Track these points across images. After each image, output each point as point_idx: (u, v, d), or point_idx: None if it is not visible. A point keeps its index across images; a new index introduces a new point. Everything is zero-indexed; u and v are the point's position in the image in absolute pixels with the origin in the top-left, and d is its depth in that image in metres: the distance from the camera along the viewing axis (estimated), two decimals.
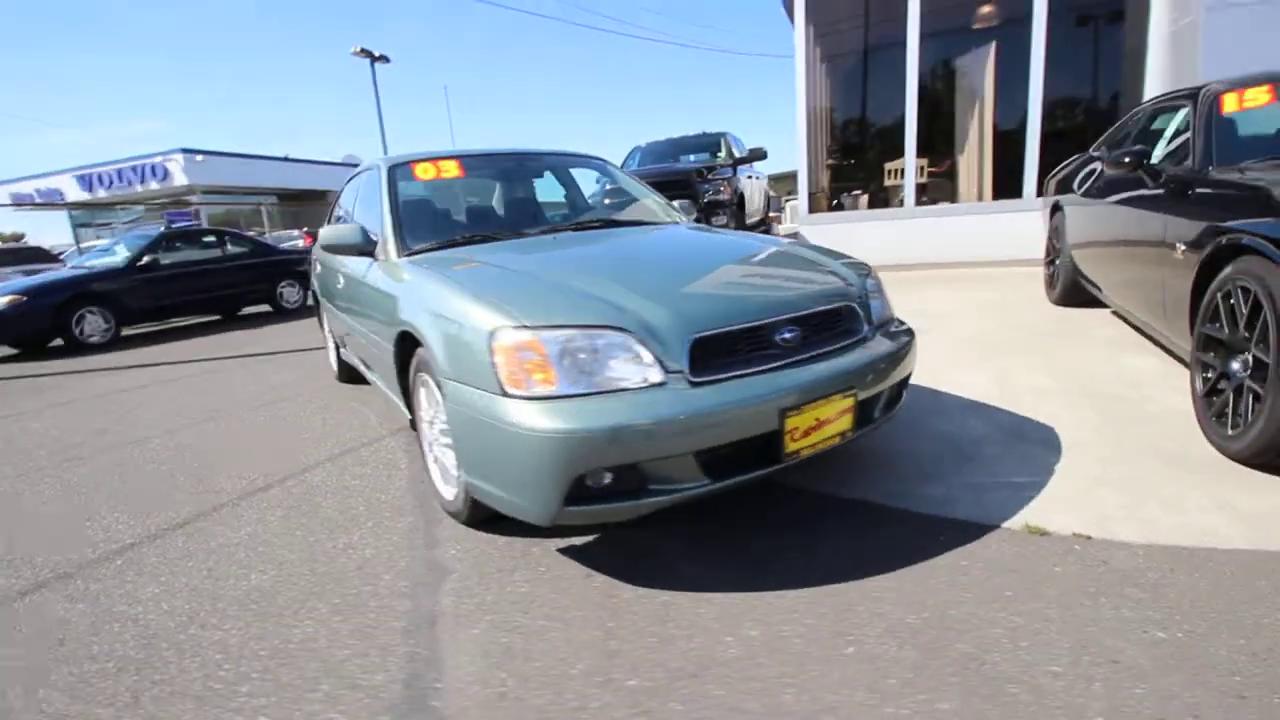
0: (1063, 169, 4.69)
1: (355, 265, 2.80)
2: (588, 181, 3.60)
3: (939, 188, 8.04)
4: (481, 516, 1.98)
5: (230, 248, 8.53)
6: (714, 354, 1.66)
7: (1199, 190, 2.46)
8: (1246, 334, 2.01)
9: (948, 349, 3.61)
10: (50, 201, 22.20)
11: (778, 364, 1.71)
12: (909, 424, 2.56)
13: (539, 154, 3.26)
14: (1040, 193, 6.20)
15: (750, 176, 9.30)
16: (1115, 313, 3.92)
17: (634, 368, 1.60)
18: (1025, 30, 6.44)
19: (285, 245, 11.36)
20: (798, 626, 1.48)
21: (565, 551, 1.89)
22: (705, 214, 7.14)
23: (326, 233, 2.59)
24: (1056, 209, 4.49)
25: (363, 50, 21.81)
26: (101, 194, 22.99)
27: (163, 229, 8.17)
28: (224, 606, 1.77)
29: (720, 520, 1.97)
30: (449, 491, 2.10)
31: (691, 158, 8.96)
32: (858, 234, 7.07)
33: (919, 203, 7.30)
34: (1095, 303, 4.08)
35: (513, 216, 2.97)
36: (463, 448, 1.78)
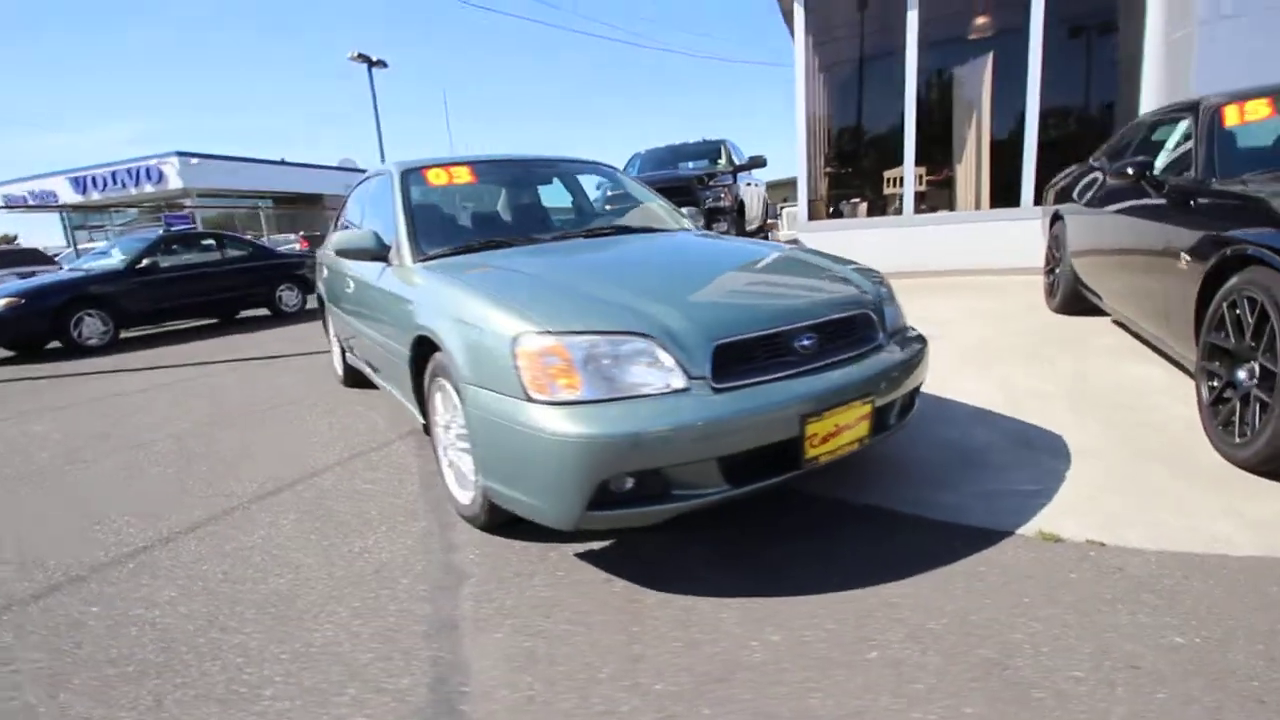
0: (1062, 178, 4.75)
1: (367, 270, 2.81)
2: (596, 188, 3.63)
3: (936, 196, 8.12)
4: (498, 521, 1.99)
5: (229, 251, 8.50)
6: (735, 360, 1.68)
7: (1202, 201, 2.51)
8: (1253, 343, 2.05)
9: (951, 357, 3.64)
10: (44, 204, 22.06)
11: (797, 370, 1.73)
12: (918, 431, 2.59)
13: (549, 160, 3.29)
14: (1038, 202, 6.28)
15: (749, 184, 9.37)
16: (1116, 321, 3.96)
17: (657, 374, 1.61)
18: (1021, 41, 6.54)
19: (282, 249, 11.34)
20: (819, 631, 1.49)
21: (583, 556, 1.90)
22: (706, 221, 7.18)
23: (340, 237, 2.60)
24: (1056, 218, 4.54)
25: (360, 55, 21.84)
26: (95, 196, 22.85)
27: (161, 232, 8.12)
28: (242, 610, 1.77)
29: (737, 526, 1.98)
30: (464, 496, 2.11)
31: (690, 165, 9.01)
32: (857, 241, 7.13)
33: (917, 211, 7.38)
34: (1095, 311, 4.13)
35: (525, 222, 2.98)
36: (483, 452, 1.79)
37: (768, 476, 1.69)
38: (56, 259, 13.48)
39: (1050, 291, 4.69)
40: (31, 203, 22.18)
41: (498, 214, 3.08)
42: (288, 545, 2.12)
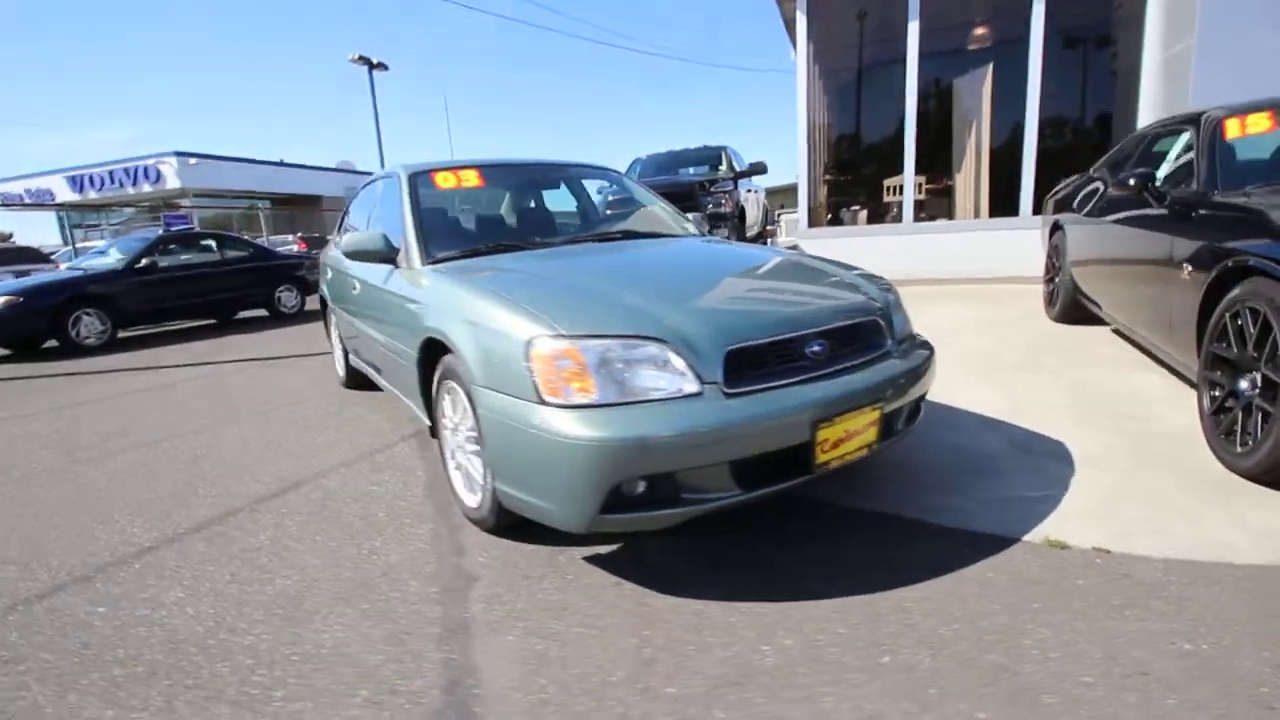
0: (1062, 189, 4.79)
1: (374, 272, 2.81)
2: (602, 193, 3.64)
3: (936, 205, 8.17)
4: (507, 523, 1.99)
5: (228, 252, 8.49)
6: (746, 365, 1.69)
7: (1204, 213, 2.53)
8: (1255, 353, 2.07)
9: (953, 364, 3.66)
10: (40, 202, 21.97)
11: (808, 376, 1.74)
12: (924, 437, 2.60)
13: (556, 165, 3.30)
14: (1037, 211, 6.33)
15: (749, 190, 9.41)
16: (1115, 330, 4.00)
17: (670, 378, 1.62)
18: (1019, 52, 6.60)
19: (281, 250, 11.32)
20: (831, 636, 1.50)
21: (592, 560, 1.91)
22: (708, 227, 7.21)
23: (349, 239, 2.61)
24: (1056, 228, 4.58)
25: (360, 57, 21.87)
26: (92, 195, 22.78)
27: (161, 232, 8.10)
28: (250, 611, 1.77)
29: (747, 532, 1.99)
30: (472, 499, 2.11)
31: (691, 170, 9.06)
32: (857, 248, 7.16)
33: (917, 219, 7.42)
34: (1094, 320, 4.16)
35: (533, 226, 2.99)
36: (495, 455, 1.79)
37: (779, 481, 1.70)
38: (53, 257, 13.42)
39: (1050, 300, 4.73)
40: (28, 201, 22.08)
41: (506, 218, 3.09)
42: (295, 547, 2.12)
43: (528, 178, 3.23)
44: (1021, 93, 6.59)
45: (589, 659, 1.48)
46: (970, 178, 7.69)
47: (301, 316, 8.81)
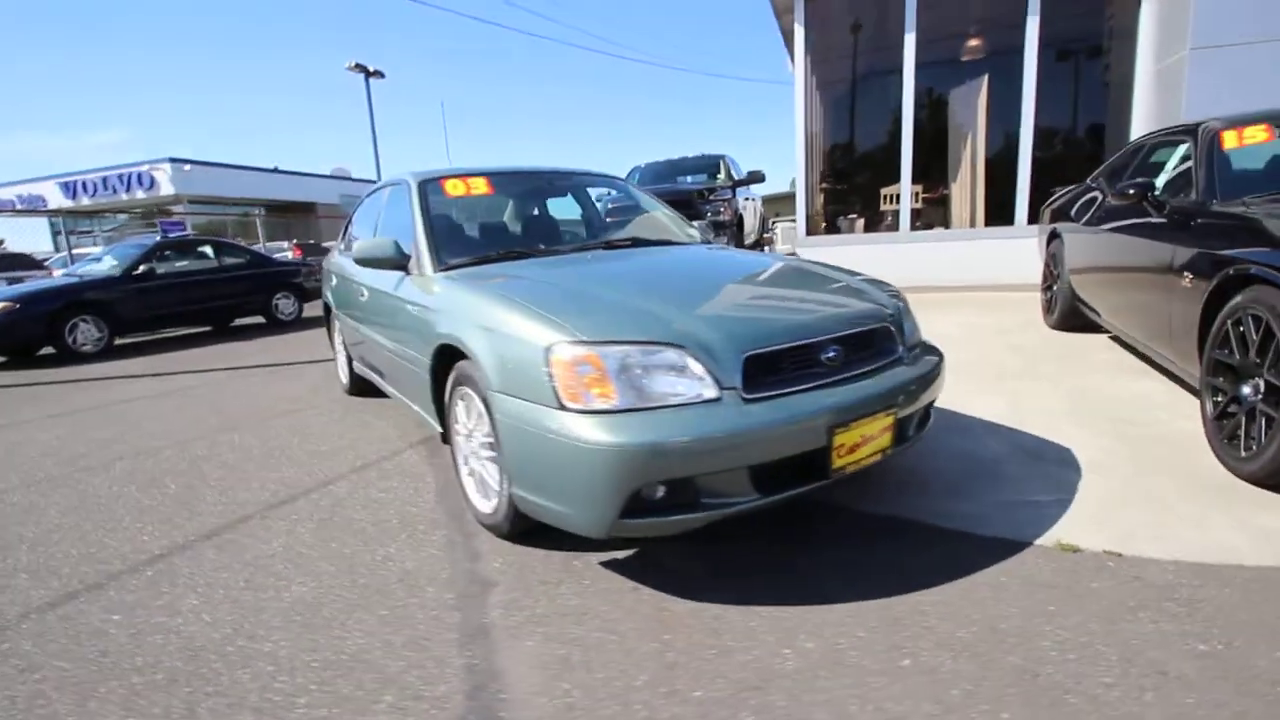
0: (1059, 198, 4.86)
1: (383, 279, 2.82)
2: (609, 201, 3.67)
3: (932, 213, 8.26)
4: (522, 529, 1.99)
5: (226, 259, 8.47)
6: (763, 371, 1.71)
7: (1203, 222, 2.58)
8: (1258, 359, 2.11)
9: (955, 371, 3.66)
10: (33, 209, 21.83)
11: (824, 382, 1.76)
12: (934, 443, 2.63)
13: (564, 173, 3.33)
14: (1032, 220, 6.41)
15: (747, 199, 9.47)
16: (1113, 337, 4.05)
17: (689, 384, 1.64)
18: (1014, 63, 6.70)
19: (276, 257, 11.28)
20: (851, 639, 1.51)
21: (608, 565, 1.91)
22: (712, 234, 7.25)
23: (360, 245, 2.62)
24: (1054, 236, 4.64)
25: (357, 65, 21.90)
26: (85, 201, 22.66)
27: (158, 238, 8.08)
28: (268, 618, 1.76)
29: (764, 537, 2.00)
30: (486, 505, 2.11)
31: (689, 179, 9.10)
32: (854, 257, 7.18)
33: (913, 228, 7.49)
34: (1092, 327, 4.21)
35: (542, 234, 3.01)
36: (513, 460, 1.80)
37: (796, 485, 1.71)
38: (46, 264, 13.34)
39: (1048, 308, 4.78)
40: (20, 207, 21.93)
41: (516, 225, 3.11)
42: (308, 553, 2.12)
43: (535, 185, 3.25)
44: (1016, 103, 6.68)
45: (611, 663, 1.48)
46: (966, 187, 7.78)
47: (299, 324, 8.79)
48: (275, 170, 27.93)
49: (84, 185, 22.81)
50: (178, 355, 6.78)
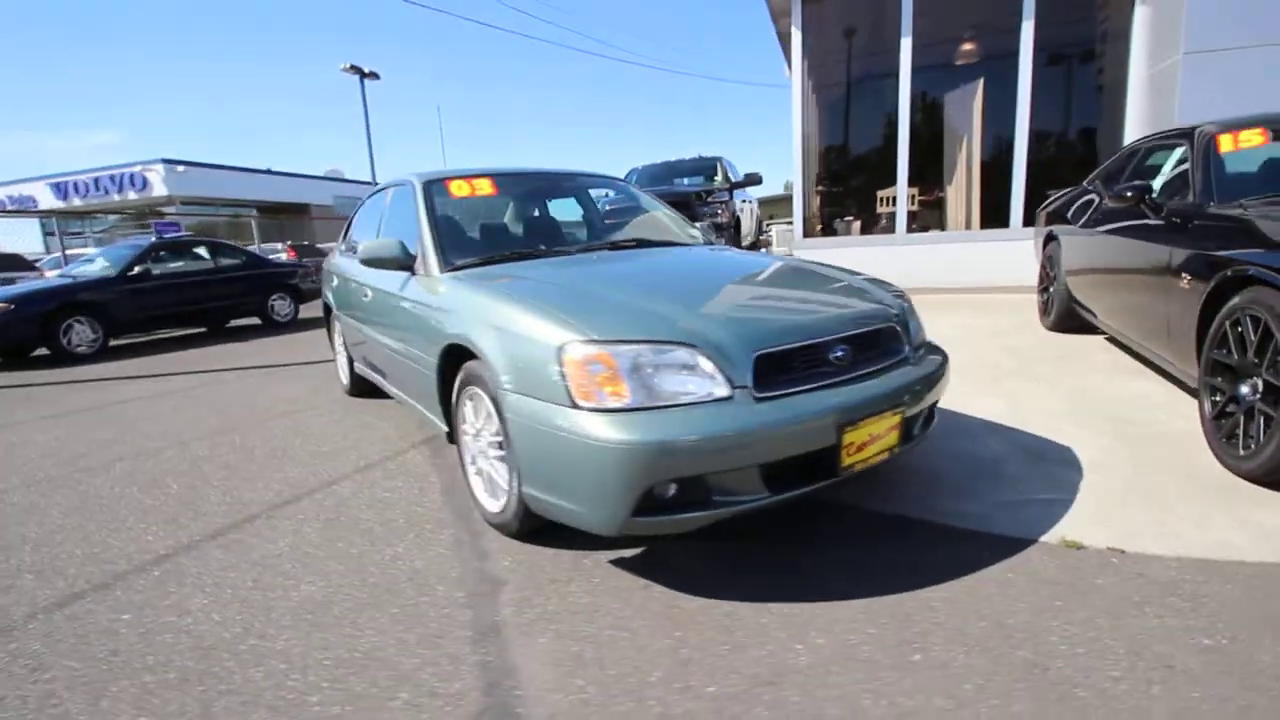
0: (1055, 200, 4.90)
1: (388, 279, 2.82)
2: (611, 203, 3.68)
3: (927, 216, 8.31)
4: (531, 528, 2.00)
5: (221, 259, 8.43)
6: (773, 370, 1.73)
7: (1201, 224, 2.62)
8: (1256, 359, 2.14)
9: (954, 372, 3.69)
10: (23, 209, 21.65)
11: (832, 381, 1.78)
12: (937, 443, 2.65)
13: (567, 174, 3.34)
14: (1027, 223, 6.46)
15: (744, 201, 9.51)
16: (1109, 338, 4.09)
17: (701, 382, 1.65)
18: (1009, 67, 6.77)
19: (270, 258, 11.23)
20: (862, 635, 1.53)
21: (617, 563, 1.92)
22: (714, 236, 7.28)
23: (366, 246, 2.62)
24: (1050, 239, 4.69)
25: (352, 66, 21.87)
26: (77, 202, 22.50)
27: (153, 239, 8.03)
28: (278, 617, 1.76)
29: (773, 536, 2.02)
30: (494, 504, 2.12)
31: (685, 181, 9.14)
32: (851, 258, 7.20)
33: (909, 230, 7.55)
34: (1088, 329, 4.26)
35: (547, 235, 3.02)
36: (524, 459, 1.81)
37: (805, 483, 1.73)
38: (38, 265, 13.23)
39: (1044, 309, 4.82)
40: (11, 208, 21.75)
41: (521, 226, 3.11)
42: (316, 553, 2.12)
43: (539, 186, 3.26)
44: (1010, 107, 6.75)
45: (625, 660, 1.49)
46: (961, 190, 7.84)
47: (295, 325, 8.76)
48: (268, 171, 27.82)
49: (75, 186, 22.65)
50: (173, 357, 6.74)
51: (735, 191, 8.70)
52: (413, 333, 2.56)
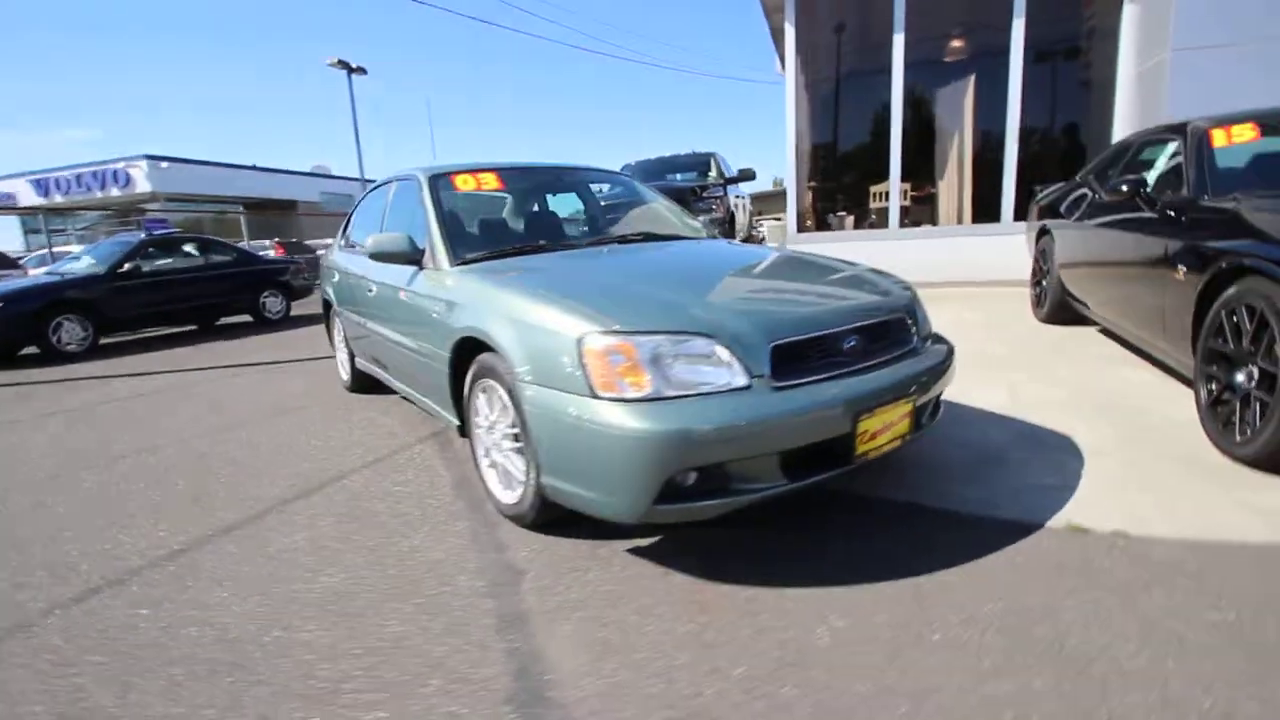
0: (1048, 195, 4.98)
1: (395, 274, 2.82)
2: (616, 197, 3.69)
3: (919, 211, 8.40)
4: (547, 519, 2.02)
5: (212, 256, 8.34)
6: (789, 360, 1.76)
7: (1195, 217, 2.68)
8: (1252, 348, 2.20)
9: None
10: (5, 205, 21.25)
11: (847, 370, 1.82)
12: (943, 432, 2.69)
13: (571, 168, 3.36)
14: (1019, 218, 6.55)
15: (736, 196, 9.56)
16: (1103, 329, 4.17)
17: (720, 372, 1.68)
18: (999, 64, 6.84)
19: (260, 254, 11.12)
20: (882, 616, 1.57)
21: (635, 552, 1.95)
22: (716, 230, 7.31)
23: (375, 240, 2.62)
24: (1044, 232, 4.76)
25: (339, 61, 21.63)
26: (59, 199, 22.11)
27: (142, 236, 7.92)
28: (301, 609, 1.77)
29: (786, 524, 2.05)
30: (509, 495, 2.13)
31: (679, 177, 9.16)
32: (845, 253, 7.28)
33: (902, 225, 7.62)
34: (1081, 320, 4.33)
35: (554, 228, 3.04)
36: (544, 450, 1.82)
37: (822, 471, 1.76)
38: (21, 263, 13.01)
39: (1038, 302, 4.90)
40: None
41: (528, 219, 3.12)
42: (333, 546, 2.12)
43: (544, 180, 3.27)
44: (1001, 104, 6.83)
45: (652, 644, 1.52)
46: (953, 185, 7.92)
47: (286, 322, 8.69)
48: (253, 167, 27.50)
49: (57, 183, 22.27)
50: (165, 355, 6.67)
51: (728, 187, 8.74)
52: (422, 326, 2.57)
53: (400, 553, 2.04)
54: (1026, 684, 1.32)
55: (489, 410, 2.17)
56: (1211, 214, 2.62)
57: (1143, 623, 1.49)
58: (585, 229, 3.18)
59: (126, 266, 7.26)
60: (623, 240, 2.84)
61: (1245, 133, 2.88)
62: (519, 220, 3.09)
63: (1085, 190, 4.20)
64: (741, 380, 1.68)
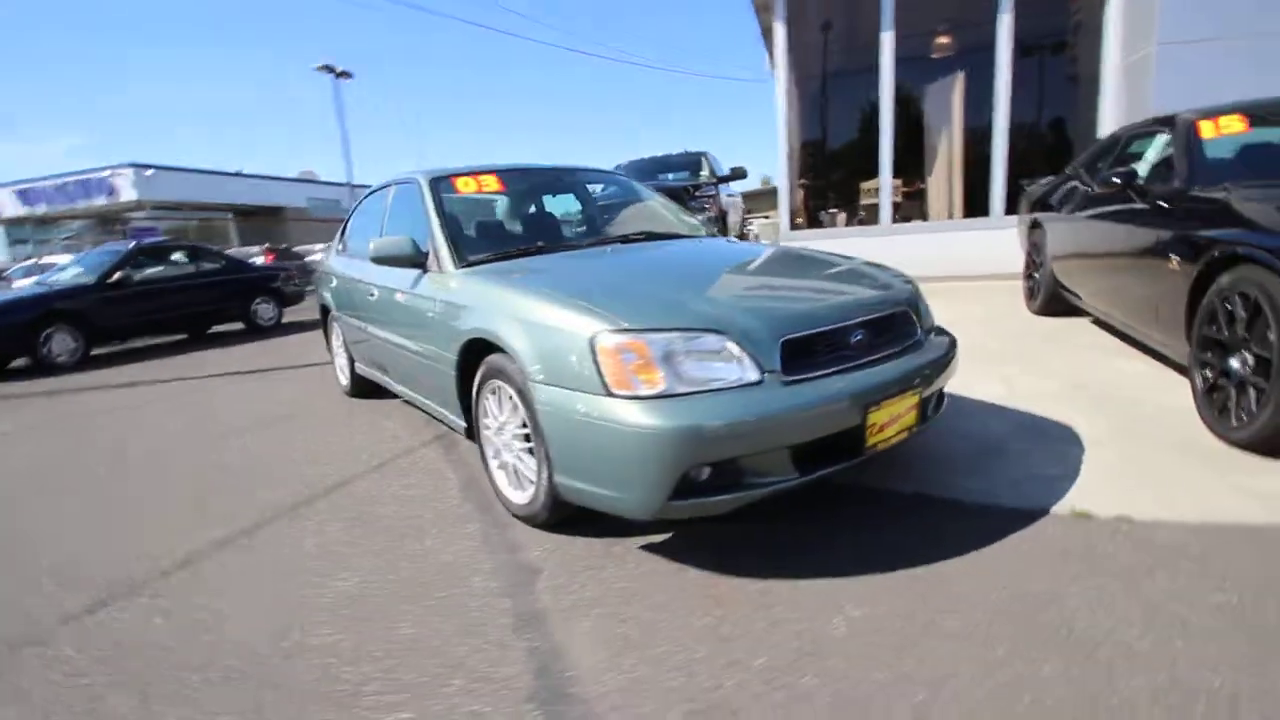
0: (1039, 188, 5.04)
1: (397, 277, 2.82)
2: (614, 197, 3.71)
3: (909, 207, 8.47)
4: (559, 518, 2.03)
5: (203, 264, 8.28)
6: (799, 355, 1.78)
7: (1187, 207, 2.73)
8: (1246, 334, 2.25)
9: None
10: None
11: (855, 364, 1.84)
12: (945, 424, 2.72)
13: (570, 169, 3.37)
14: (1009, 212, 6.62)
15: (729, 195, 9.59)
16: (1095, 321, 4.22)
17: (732, 368, 1.70)
18: (987, 60, 6.91)
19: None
20: (894, 606, 1.59)
21: (648, 549, 1.97)
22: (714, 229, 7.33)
23: (378, 244, 2.62)
24: (1036, 225, 4.82)
25: (325, 66, 21.54)
26: (43, 209, 21.85)
27: (132, 244, 7.85)
28: (314, 613, 1.77)
29: (796, 518, 2.07)
30: (520, 495, 2.15)
31: (670, 176, 9.18)
32: (837, 249, 7.33)
33: (893, 221, 7.67)
34: (1074, 312, 4.39)
35: (556, 229, 3.05)
36: (557, 449, 1.84)
37: (833, 463, 1.79)
38: (6, 274, 12.86)
39: (1031, 294, 4.96)
40: None
41: (530, 221, 3.13)
42: (342, 550, 2.12)
43: (543, 181, 3.28)
44: (989, 99, 6.89)
45: (670, 639, 1.54)
46: (943, 180, 7.99)
47: (279, 330, 8.64)
48: (239, 174, 27.27)
49: (41, 192, 21.99)
50: (158, 364, 6.62)
51: (720, 186, 8.76)
52: (427, 329, 2.57)
53: (412, 555, 2.05)
54: (1036, 668, 1.34)
55: (498, 411, 2.18)
56: (1203, 204, 2.66)
57: (1147, 606, 1.52)
58: (586, 229, 3.19)
59: (116, 276, 7.20)
60: (625, 240, 2.86)
61: (1233, 124, 2.93)
62: (520, 221, 3.10)
63: (1076, 183, 4.26)
64: (753, 375, 1.70)
